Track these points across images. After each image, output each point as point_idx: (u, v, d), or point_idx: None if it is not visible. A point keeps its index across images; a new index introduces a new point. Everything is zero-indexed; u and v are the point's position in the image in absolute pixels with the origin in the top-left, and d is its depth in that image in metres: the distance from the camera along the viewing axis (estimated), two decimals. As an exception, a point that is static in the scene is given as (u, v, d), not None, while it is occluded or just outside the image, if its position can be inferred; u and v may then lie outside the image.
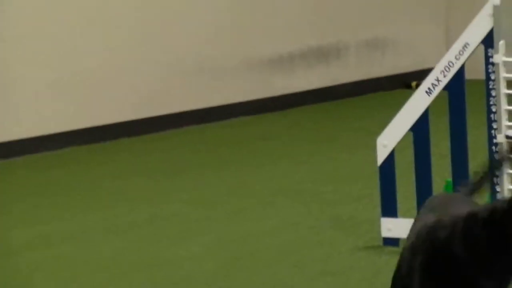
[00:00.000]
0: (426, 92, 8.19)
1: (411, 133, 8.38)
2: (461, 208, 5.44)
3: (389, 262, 7.86)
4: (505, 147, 7.88)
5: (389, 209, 8.42)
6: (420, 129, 8.28)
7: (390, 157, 8.38)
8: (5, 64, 13.32)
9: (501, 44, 8.05)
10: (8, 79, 13.39)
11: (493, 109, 8.13)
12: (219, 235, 9.21)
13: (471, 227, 4.78)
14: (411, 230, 5.34)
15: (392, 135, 8.34)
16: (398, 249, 7.81)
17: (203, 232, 9.33)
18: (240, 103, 14.59)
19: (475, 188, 6.02)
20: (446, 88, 8.20)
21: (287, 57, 15.16)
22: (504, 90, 8.10)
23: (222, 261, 8.33)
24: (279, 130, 14.25)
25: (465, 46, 8.11)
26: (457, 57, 8.12)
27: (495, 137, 8.09)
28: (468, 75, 8.14)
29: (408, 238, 5.37)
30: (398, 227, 8.32)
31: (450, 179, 8.36)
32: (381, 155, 8.38)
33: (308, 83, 15.45)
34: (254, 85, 15.01)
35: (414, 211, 8.28)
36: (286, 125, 14.48)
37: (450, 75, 8.16)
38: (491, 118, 8.14)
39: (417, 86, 9.59)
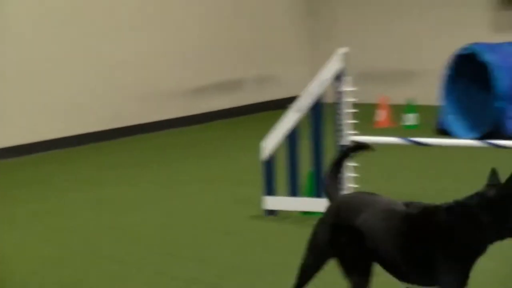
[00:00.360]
0: (296, 111, 8.46)
1: (286, 139, 8.55)
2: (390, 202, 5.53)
3: (270, 226, 8.48)
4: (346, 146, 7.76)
5: (270, 190, 8.65)
6: (292, 136, 8.51)
7: (271, 155, 8.54)
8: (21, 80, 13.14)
9: (346, 79, 8.29)
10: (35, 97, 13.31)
11: (340, 123, 8.43)
12: (159, 209, 9.26)
13: (488, 202, 5.10)
14: (377, 218, 5.35)
15: (272, 140, 8.53)
16: (276, 218, 8.61)
17: (151, 208, 9.35)
18: (175, 118, 14.61)
19: (332, 174, 6.06)
20: (310, 108, 8.42)
21: (206, 86, 15.31)
22: (347, 110, 8.46)
23: (163, 225, 8.51)
24: (203, 138, 14.26)
25: (323, 80, 8.35)
26: (317, 87, 8.36)
27: (341, 141, 8.41)
28: (325, 100, 8.36)
29: (373, 224, 5.34)
30: (276, 203, 8.67)
31: (311, 170, 8.55)
32: (264, 154, 8.59)
33: (220, 105, 15.73)
34: (184, 105, 15.13)
35: (287, 191, 8.61)
36: (208, 134, 14.45)
37: (312, 100, 8.41)
38: (338, 128, 8.40)
39: (291, 107, 9.32)
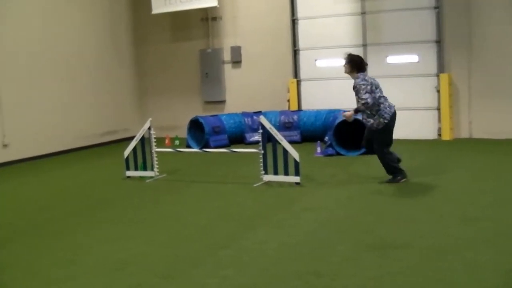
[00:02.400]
0: (135, 140, 9.74)
1: (132, 150, 9.85)
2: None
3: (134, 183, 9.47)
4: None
5: (128, 168, 10.02)
6: (134, 149, 9.69)
7: (127, 157, 9.93)
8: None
9: (152, 129, 9.62)
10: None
11: (151, 143, 9.72)
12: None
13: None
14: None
15: (127, 151, 9.86)
16: (133, 179, 9.83)
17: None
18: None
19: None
20: (139, 139, 9.72)
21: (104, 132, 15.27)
22: (153, 140, 9.71)
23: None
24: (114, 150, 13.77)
25: (144, 129, 9.73)
26: (141, 132, 9.74)
27: (152, 150, 9.78)
28: (145, 136, 9.82)
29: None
30: (132, 173, 10.02)
31: (141, 162, 9.77)
32: (124, 156, 9.87)
33: (110, 139, 15.67)
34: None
35: (135, 169, 9.95)
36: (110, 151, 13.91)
37: (139, 136, 9.71)
38: (151, 145, 9.69)
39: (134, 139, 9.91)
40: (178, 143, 14.41)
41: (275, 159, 8.73)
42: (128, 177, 10.05)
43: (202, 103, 16.27)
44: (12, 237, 6.76)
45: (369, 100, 7.95)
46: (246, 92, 15.60)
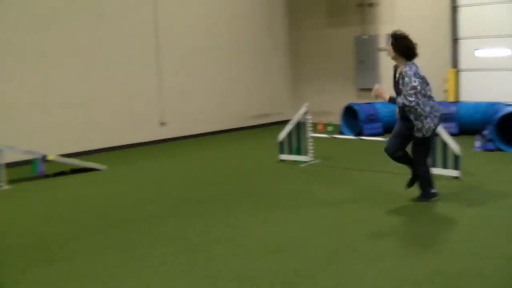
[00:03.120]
0: (291, 124, 9.86)
1: (288, 134, 9.80)
2: None
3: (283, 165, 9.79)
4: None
5: (281, 151, 10.08)
6: (290, 133, 9.75)
7: (282, 140, 9.89)
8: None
9: (308, 113, 9.70)
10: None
11: (307, 128, 9.77)
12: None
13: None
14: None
15: (282, 134, 9.90)
16: (286, 162, 9.81)
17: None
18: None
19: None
20: (295, 123, 9.81)
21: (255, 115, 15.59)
22: (309, 125, 9.72)
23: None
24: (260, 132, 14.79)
25: (299, 114, 9.74)
26: (297, 116, 9.81)
27: (307, 134, 9.88)
28: (301, 120, 9.78)
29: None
30: (284, 157, 10.09)
31: (296, 145, 10.00)
32: (279, 139, 9.92)
33: (261, 122, 15.93)
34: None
35: (288, 153, 9.97)
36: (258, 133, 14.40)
37: (296, 120, 9.80)
38: (307, 130, 9.75)
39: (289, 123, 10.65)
40: (331, 129, 14.26)
41: (433, 151, 8.37)
42: (282, 160, 10.05)
43: (356, 90, 15.95)
44: (169, 212, 7.00)
45: (414, 103, 6.38)
46: (402, 81, 15.00)
